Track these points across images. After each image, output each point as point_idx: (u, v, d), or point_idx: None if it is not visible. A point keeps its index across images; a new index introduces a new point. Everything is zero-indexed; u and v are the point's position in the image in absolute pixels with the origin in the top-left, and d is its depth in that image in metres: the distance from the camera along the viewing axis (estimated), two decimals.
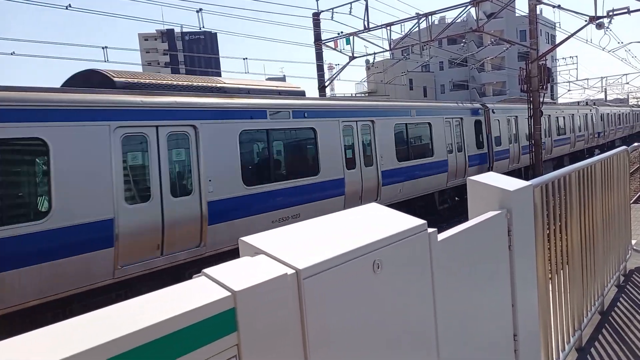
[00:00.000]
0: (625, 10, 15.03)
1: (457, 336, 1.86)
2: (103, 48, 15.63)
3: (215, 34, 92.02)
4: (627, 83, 59.64)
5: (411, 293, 1.59)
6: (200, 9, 14.64)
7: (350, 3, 18.82)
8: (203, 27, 15.08)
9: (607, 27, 16.24)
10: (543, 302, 2.75)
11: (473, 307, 2.00)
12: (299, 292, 1.15)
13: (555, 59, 56.62)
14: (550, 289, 3.01)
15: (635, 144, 5.82)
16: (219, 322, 0.98)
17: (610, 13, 15.34)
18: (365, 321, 1.39)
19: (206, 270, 1.08)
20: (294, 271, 1.15)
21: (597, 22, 15.65)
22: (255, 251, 1.23)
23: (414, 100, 13.65)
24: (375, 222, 1.60)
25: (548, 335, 2.87)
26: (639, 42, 27.95)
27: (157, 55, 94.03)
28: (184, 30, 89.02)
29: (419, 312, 1.62)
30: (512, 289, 2.30)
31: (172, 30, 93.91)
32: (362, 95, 47.70)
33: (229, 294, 1.00)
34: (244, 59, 18.35)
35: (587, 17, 15.70)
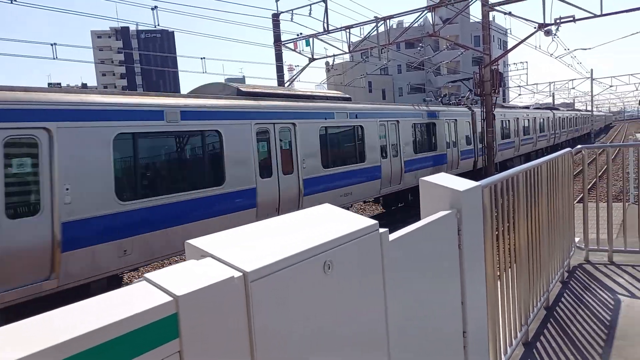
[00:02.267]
0: (571, 19, 15.82)
1: (408, 334, 1.89)
2: (52, 45, 15.00)
3: (173, 32, 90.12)
4: (573, 88, 62.84)
5: (362, 293, 1.60)
6: (156, 7, 14.30)
7: (310, 5, 18.90)
8: (158, 24, 14.73)
9: (555, 34, 17.05)
10: (491, 299, 2.84)
11: (424, 305, 2.04)
12: (246, 295, 1.14)
13: (507, 64, 58.91)
14: (499, 287, 3.12)
15: (579, 146, 6.12)
16: (159, 329, 0.95)
17: (558, 21, 16.11)
18: (315, 323, 1.39)
19: (148, 275, 1.04)
20: (241, 274, 1.13)
21: (545, 29, 16.39)
22: (202, 254, 1.20)
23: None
24: (326, 223, 1.61)
25: (496, 331, 2.97)
26: (584, 49, 29.59)
27: (110, 53, 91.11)
28: (140, 28, 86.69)
29: (370, 312, 1.63)
30: (461, 287, 2.37)
31: (127, 28, 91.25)
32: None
33: (171, 299, 0.97)
34: (201, 58, 18.06)
35: (536, 25, 16.42)
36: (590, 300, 4.70)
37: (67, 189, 6.32)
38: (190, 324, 0.99)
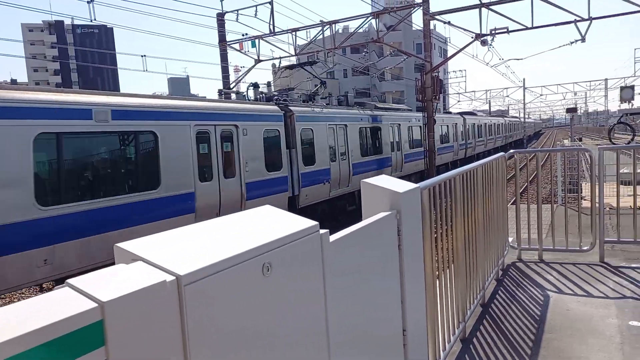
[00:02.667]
0: (505, 30, 16.70)
1: (349, 334, 1.91)
2: None
3: (112, 28, 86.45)
4: (508, 96, 66.46)
5: (303, 294, 1.59)
6: (92, 0, 13.64)
7: (256, 6, 18.76)
8: (94, 19, 14.06)
9: (490, 44, 17.92)
10: (430, 298, 2.92)
11: (364, 304, 2.06)
12: (179, 300, 1.09)
13: (447, 72, 61.31)
14: (438, 285, 3.21)
15: (511, 150, 6.45)
16: (83, 337, 0.89)
17: (493, 31, 16.95)
18: (254, 326, 1.36)
19: (71, 281, 0.98)
20: (174, 278, 1.09)
21: (481, 39, 17.19)
22: (132, 258, 1.14)
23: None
24: (266, 224, 1.59)
25: (435, 328, 3.05)
26: (517, 59, 31.36)
27: (44, 48, 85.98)
28: (76, 22, 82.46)
29: (310, 313, 1.62)
30: (401, 286, 2.42)
31: (62, 22, 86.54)
32: None
33: (96, 305, 0.91)
34: (142, 56, 17.42)
35: (474, 34, 17.19)
36: (522, 297, 4.96)
37: None
38: (117, 332, 0.94)
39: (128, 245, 1.17)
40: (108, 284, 0.99)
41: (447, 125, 24.85)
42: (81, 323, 0.89)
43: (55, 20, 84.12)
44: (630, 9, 14.85)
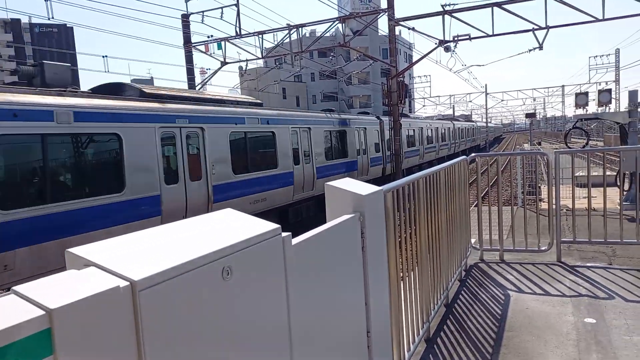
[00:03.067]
0: (467, 37, 17.16)
1: (312, 336, 1.90)
2: None
3: (72, 27, 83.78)
4: (471, 101, 68.25)
5: (264, 298, 1.58)
6: None
7: (222, 8, 18.58)
8: (52, 17, 13.58)
9: (453, 51, 18.36)
10: (394, 299, 2.95)
11: (328, 307, 2.06)
12: (134, 306, 1.06)
13: (412, 77, 62.41)
14: (402, 286, 3.25)
15: (473, 154, 6.61)
16: (29, 346, 0.85)
17: (456, 38, 17.38)
18: (214, 331, 1.34)
19: (17, 288, 0.94)
20: (128, 283, 1.05)
21: (444, 45, 17.60)
22: (85, 263, 1.11)
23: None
24: (226, 228, 1.56)
25: (400, 329, 3.09)
26: (479, 65, 32.24)
27: None
28: (34, 21, 79.59)
29: (272, 316, 1.61)
30: (365, 288, 2.43)
31: (19, 20, 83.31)
32: None
33: (43, 312, 0.88)
34: (103, 56, 16.95)
35: (437, 41, 17.58)
36: (484, 297, 5.08)
37: None
38: (66, 340, 0.91)
39: (80, 251, 1.13)
40: (57, 290, 0.95)
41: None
42: (27, 331, 0.85)
43: (11, 19, 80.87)
44: (584, 19, 15.54)
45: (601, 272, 5.65)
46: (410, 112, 53.04)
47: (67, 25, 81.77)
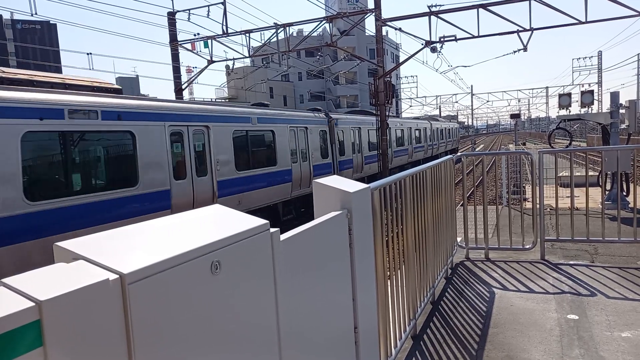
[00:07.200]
0: (453, 38, 17.30)
1: (300, 332, 1.91)
2: None
3: (55, 24, 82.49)
4: (457, 102, 68.63)
5: (253, 293, 1.59)
6: None
7: (208, 6, 18.47)
8: (36, 13, 13.38)
9: (440, 52, 18.50)
10: (381, 296, 2.98)
11: (316, 303, 2.08)
12: (123, 299, 1.06)
13: (399, 77, 62.69)
14: (389, 284, 3.28)
15: (459, 153, 6.68)
16: (19, 337, 0.85)
17: (442, 39, 17.51)
18: (203, 325, 1.34)
19: (6, 280, 0.93)
20: (117, 276, 1.06)
21: (431, 46, 17.72)
22: (74, 257, 1.10)
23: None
24: (216, 223, 1.57)
25: (387, 326, 3.12)
26: (465, 66, 32.51)
27: None
28: (16, 17, 78.21)
29: (261, 311, 1.62)
30: (352, 284, 2.45)
31: (0, 16, 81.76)
32: (223, 100, 47.03)
33: (33, 304, 0.88)
34: (88, 54, 16.74)
35: (424, 41, 17.69)
36: (469, 294, 5.15)
37: None
38: (56, 332, 0.91)
39: (68, 244, 1.12)
40: (46, 282, 0.95)
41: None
42: (17, 323, 0.85)
43: None
44: (567, 22, 15.79)
45: (584, 270, 5.76)
46: (397, 112, 53.24)
47: (51, 22, 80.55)
